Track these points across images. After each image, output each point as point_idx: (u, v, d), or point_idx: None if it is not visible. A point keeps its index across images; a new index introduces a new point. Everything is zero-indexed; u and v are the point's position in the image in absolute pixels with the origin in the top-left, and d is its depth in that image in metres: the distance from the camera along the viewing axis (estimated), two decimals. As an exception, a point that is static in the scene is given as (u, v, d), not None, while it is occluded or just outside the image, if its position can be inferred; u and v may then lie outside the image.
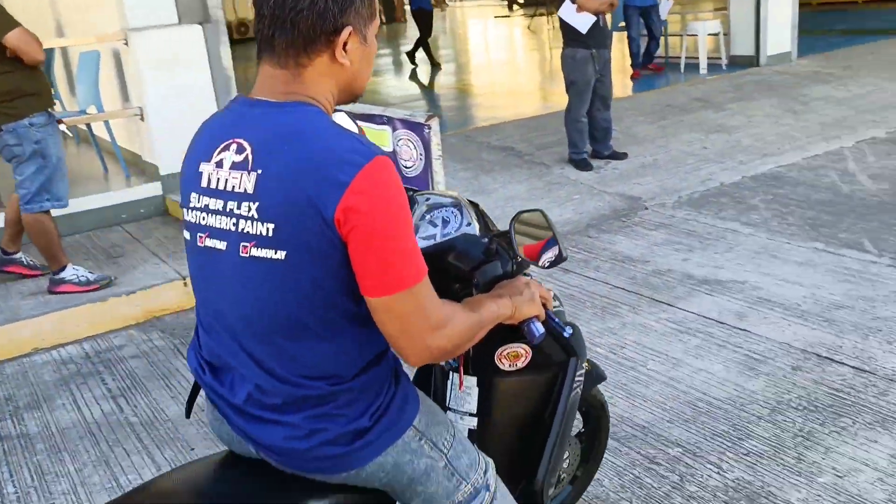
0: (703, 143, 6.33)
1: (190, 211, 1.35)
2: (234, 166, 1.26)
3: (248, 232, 1.25)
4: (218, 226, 1.29)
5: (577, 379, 1.80)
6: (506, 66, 12.63)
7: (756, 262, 4.12)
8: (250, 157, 1.25)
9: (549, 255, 1.64)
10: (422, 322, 1.25)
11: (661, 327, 3.52)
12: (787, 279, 3.87)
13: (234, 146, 1.28)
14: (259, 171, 1.23)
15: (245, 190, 1.24)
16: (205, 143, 1.35)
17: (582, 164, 5.81)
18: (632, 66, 9.20)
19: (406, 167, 2.89)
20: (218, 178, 1.29)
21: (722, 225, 4.73)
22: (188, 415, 1.58)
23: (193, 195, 1.34)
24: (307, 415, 1.31)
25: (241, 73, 5.86)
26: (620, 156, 5.97)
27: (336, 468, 1.35)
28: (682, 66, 9.09)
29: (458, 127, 7.10)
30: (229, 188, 1.27)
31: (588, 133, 5.92)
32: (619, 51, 11.12)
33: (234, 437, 1.42)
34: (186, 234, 1.39)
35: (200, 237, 1.34)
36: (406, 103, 9.19)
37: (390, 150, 2.94)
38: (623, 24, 9.51)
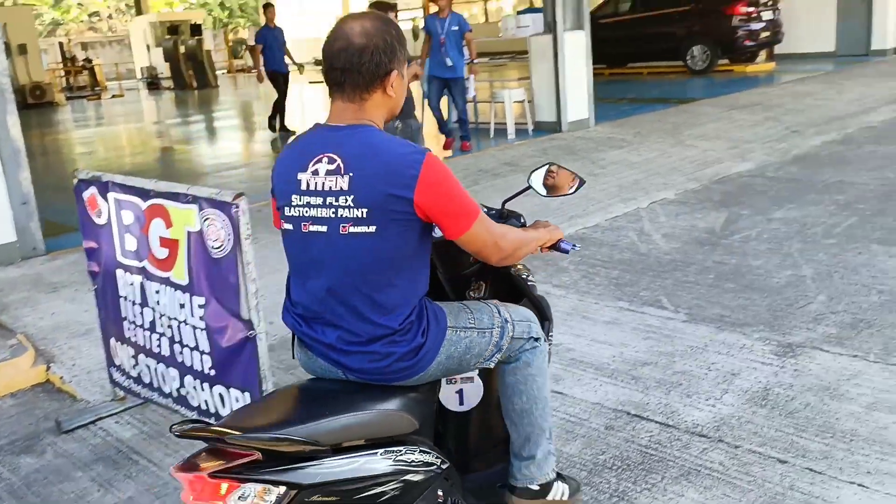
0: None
1: (292, 208, 1.94)
2: (329, 173, 1.87)
3: (345, 216, 1.86)
4: (319, 216, 1.89)
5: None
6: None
7: (569, 323, 4.30)
8: (341, 165, 1.86)
9: (574, 185, 2.47)
10: (491, 237, 1.97)
11: (482, 395, 3.57)
12: (596, 339, 4.06)
13: (325, 159, 1.89)
14: (351, 174, 1.85)
15: (341, 188, 1.85)
16: (297, 159, 1.94)
17: None
18: (441, 132, 9.45)
19: (214, 248, 2.78)
20: (315, 182, 1.89)
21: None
22: (294, 356, 2.12)
23: (294, 196, 1.93)
24: (382, 343, 1.92)
25: (38, 140, 5.47)
26: None
27: (408, 376, 1.96)
28: (492, 132, 9.51)
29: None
30: (326, 188, 1.87)
31: None
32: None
33: (326, 368, 2.02)
34: (289, 226, 1.97)
35: (304, 225, 1.92)
36: (221, 172, 8.96)
37: (196, 229, 2.83)
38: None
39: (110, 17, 50.40)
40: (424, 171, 1.82)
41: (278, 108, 11.50)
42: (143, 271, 3.08)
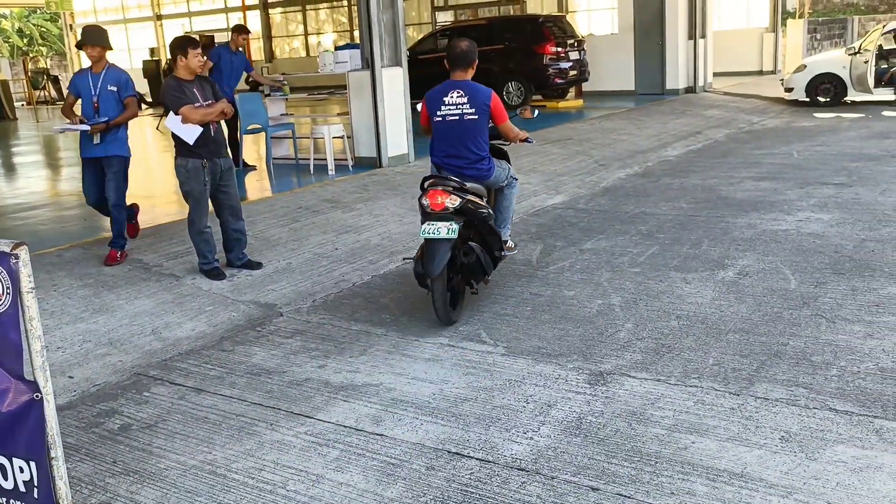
0: (334, 244, 6.52)
1: (438, 114, 4.96)
2: (459, 96, 4.91)
3: (465, 113, 4.90)
4: (453, 113, 4.92)
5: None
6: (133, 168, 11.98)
7: (389, 362, 4.26)
8: (464, 93, 4.92)
9: (530, 112, 5.59)
10: (511, 128, 5.18)
11: (301, 442, 3.44)
12: (418, 377, 4.04)
13: (456, 92, 4.93)
14: (468, 97, 4.91)
15: (463, 103, 4.90)
16: (440, 93, 4.97)
17: (213, 274, 5.63)
18: None
19: (-10, 305, 2.49)
20: (451, 101, 4.92)
21: (356, 327, 4.85)
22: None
23: (441, 108, 4.94)
24: (477, 164, 5.00)
25: None
26: (255, 265, 5.88)
27: (485, 177, 5.07)
28: (312, 168, 9.39)
29: (75, 239, 6.49)
30: (457, 103, 4.91)
31: (223, 242, 5.78)
32: (256, 152, 11.21)
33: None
34: (439, 119, 4.96)
35: (445, 118, 4.93)
36: (17, 214, 8.25)
37: (-31, 285, 2.53)
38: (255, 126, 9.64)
39: None
40: (493, 97, 4.96)
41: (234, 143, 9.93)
42: None
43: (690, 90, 17.04)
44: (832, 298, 4.75)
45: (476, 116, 4.88)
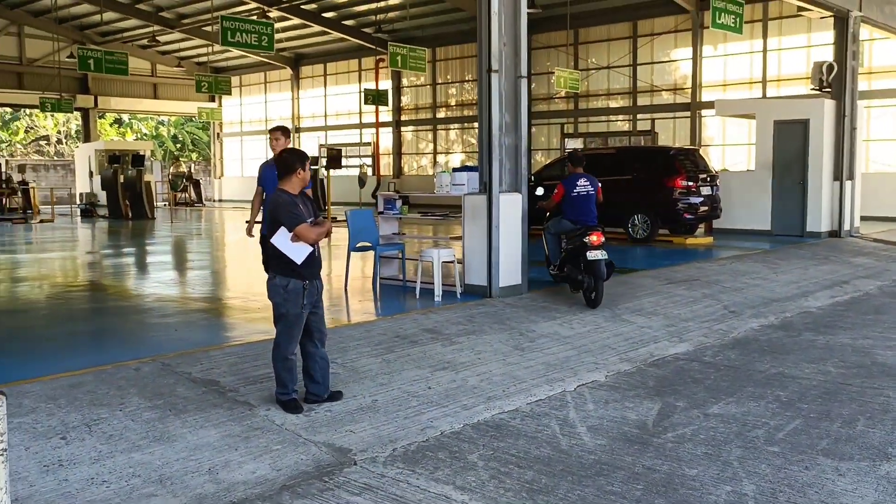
0: (428, 381, 5.92)
1: (574, 191, 9.26)
2: (585, 181, 9.36)
3: (589, 191, 9.33)
4: (584, 191, 9.28)
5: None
6: (242, 278, 11.97)
7: (465, 545, 3.54)
8: (587, 181, 9.33)
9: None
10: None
11: None
12: (496, 571, 3.30)
13: (583, 178, 9.37)
14: (589, 182, 9.42)
15: (588, 184, 9.38)
16: (573, 179, 9.34)
17: (291, 406, 5.12)
18: None
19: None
20: (581, 184, 9.29)
21: (435, 489, 4.17)
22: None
23: (575, 188, 9.26)
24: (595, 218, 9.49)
25: None
26: (336, 396, 5.36)
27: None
28: (418, 292, 8.95)
29: (158, 352, 6.19)
30: (585, 185, 9.29)
31: (305, 370, 5.31)
32: (362, 270, 10.93)
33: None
34: (575, 194, 9.24)
35: (579, 193, 9.25)
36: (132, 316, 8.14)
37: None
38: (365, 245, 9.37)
39: (59, 142, 50.13)
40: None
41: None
42: None
43: (835, 234, 15.85)
44: None
45: (594, 192, 9.25)
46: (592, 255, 8.35)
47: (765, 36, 22.82)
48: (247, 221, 8.44)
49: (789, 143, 16.01)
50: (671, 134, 25.03)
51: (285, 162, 5.19)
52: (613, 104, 26.49)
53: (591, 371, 6.44)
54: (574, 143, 25.62)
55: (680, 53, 24.76)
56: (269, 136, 7.65)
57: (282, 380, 5.16)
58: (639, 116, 25.86)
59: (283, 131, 7.56)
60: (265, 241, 6.63)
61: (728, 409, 5.48)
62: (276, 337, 5.18)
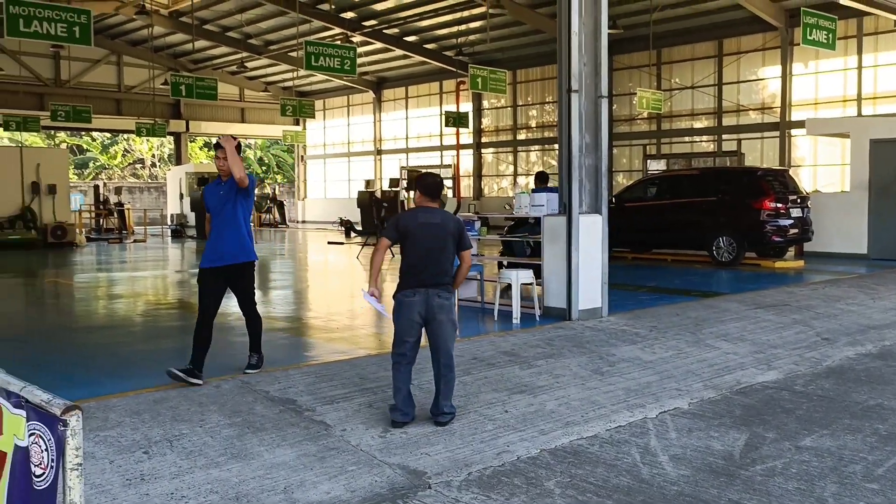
0: (504, 405, 5.82)
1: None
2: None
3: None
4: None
5: None
6: (323, 299, 12.14)
7: (540, 576, 3.42)
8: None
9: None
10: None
11: None
12: None
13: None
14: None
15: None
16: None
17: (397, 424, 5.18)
18: None
19: (36, 476, 2.06)
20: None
21: (510, 516, 4.07)
22: None
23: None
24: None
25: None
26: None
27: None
28: (496, 314, 8.87)
29: (237, 370, 6.28)
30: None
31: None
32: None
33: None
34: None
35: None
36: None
37: (25, 444, 2.12)
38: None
39: (154, 164, 52.22)
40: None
41: None
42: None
43: (937, 257, 15.04)
44: None
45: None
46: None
47: (860, 52, 21.99)
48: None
49: (887, 162, 15.31)
50: (759, 154, 24.32)
51: (440, 186, 5.63)
52: (698, 124, 25.93)
53: (673, 398, 6.22)
54: (657, 165, 25.17)
55: (768, 72, 24.09)
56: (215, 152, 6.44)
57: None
58: (724, 137, 25.23)
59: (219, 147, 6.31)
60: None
61: (822, 442, 5.19)
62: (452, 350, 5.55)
